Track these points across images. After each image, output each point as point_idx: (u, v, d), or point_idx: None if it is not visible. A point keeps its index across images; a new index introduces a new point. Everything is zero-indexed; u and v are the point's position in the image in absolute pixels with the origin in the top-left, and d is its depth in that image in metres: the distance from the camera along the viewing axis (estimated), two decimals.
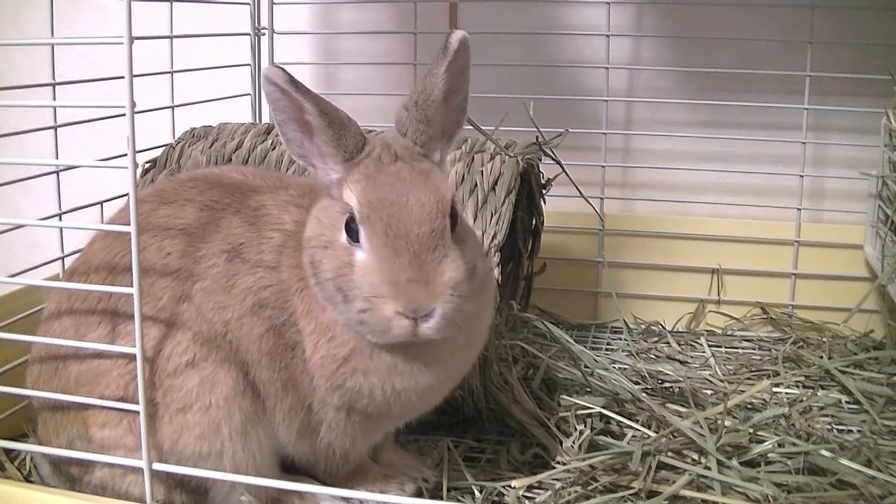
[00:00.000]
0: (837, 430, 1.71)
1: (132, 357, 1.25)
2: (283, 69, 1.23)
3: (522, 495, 1.44)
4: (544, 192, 2.04)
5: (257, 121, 2.46)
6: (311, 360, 1.30)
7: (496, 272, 1.62)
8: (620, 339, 2.28)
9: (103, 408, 1.30)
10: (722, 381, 1.93)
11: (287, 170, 1.85)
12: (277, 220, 1.37)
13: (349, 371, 1.28)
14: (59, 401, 1.33)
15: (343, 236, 1.24)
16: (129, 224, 1.21)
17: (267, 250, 1.34)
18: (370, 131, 1.96)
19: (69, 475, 1.39)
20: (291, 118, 1.26)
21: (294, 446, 1.39)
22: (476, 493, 1.47)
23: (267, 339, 1.31)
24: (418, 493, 1.48)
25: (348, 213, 1.23)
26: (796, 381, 1.94)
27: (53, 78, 1.78)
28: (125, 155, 1.19)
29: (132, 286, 1.22)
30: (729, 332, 2.34)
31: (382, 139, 1.30)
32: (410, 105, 1.29)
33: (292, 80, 1.22)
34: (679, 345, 2.21)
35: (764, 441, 1.53)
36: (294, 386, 1.33)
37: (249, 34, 2.44)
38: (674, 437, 1.53)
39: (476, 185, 1.75)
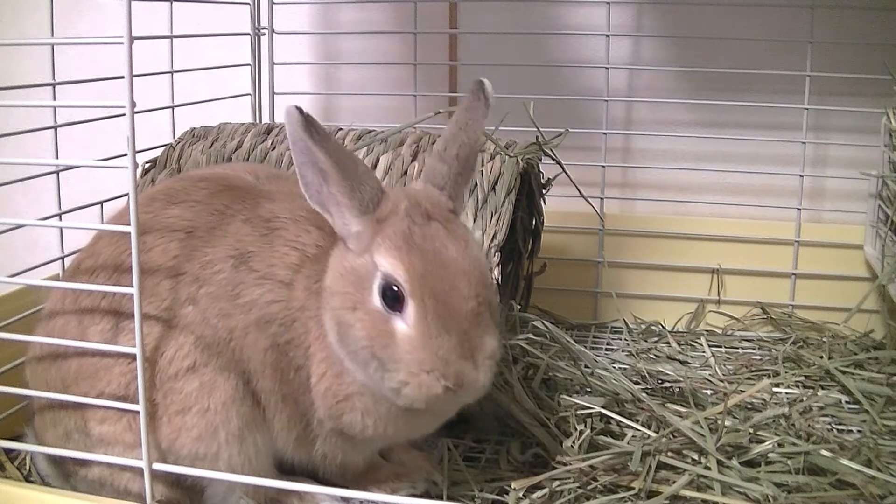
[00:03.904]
0: (837, 430, 1.71)
1: (134, 356, 1.24)
2: (302, 111, 1.16)
3: (522, 495, 1.44)
4: (544, 192, 2.04)
5: (257, 121, 2.46)
6: (315, 386, 1.30)
7: (496, 272, 1.62)
8: (620, 339, 2.28)
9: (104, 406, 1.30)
10: (722, 381, 1.92)
11: (288, 169, 1.85)
12: (296, 237, 1.33)
13: (348, 407, 1.29)
14: (60, 400, 1.33)
15: (375, 300, 1.19)
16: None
17: (280, 265, 1.31)
18: (370, 131, 1.98)
19: (66, 469, 1.39)
20: (311, 160, 1.20)
21: (292, 453, 1.39)
22: (476, 493, 1.47)
23: (270, 354, 1.30)
24: (428, 494, 1.48)
25: (384, 277, 1.19)
26: (796, 381, 1.94)
27: (53, 78, 1.77)
28: (125, 155, 1.19)
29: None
30: (729, 332, 2.33)
31: (407, 194, 1.25)
32: (450, 158, 1.23)
33: (308, 126, 1.16)
34: (679, 345, 2.21)
35: (764, 441, 1.53)
36: (294, 401, 1.32)
37: (249, 34, 2.44)
38: (674, 437, 1.53)
39: (476, 185, 1.75)
